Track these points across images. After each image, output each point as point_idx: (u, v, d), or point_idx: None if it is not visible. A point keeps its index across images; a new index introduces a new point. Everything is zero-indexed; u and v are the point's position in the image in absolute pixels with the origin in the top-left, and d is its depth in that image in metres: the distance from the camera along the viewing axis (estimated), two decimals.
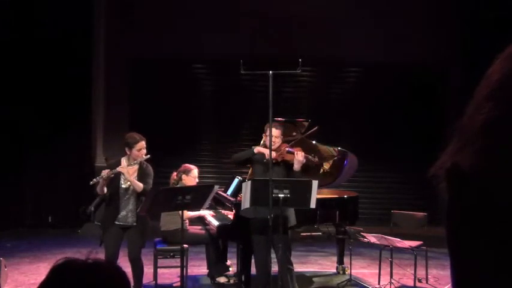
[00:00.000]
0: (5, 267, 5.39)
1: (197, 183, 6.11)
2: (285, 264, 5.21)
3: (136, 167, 5.29)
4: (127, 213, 5.23)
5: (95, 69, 10.46)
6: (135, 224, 5.22)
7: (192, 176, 6.06)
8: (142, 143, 5.26)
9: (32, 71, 9.81)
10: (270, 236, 4.94)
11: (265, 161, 5.19)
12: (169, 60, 10.52)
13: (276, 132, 5.26)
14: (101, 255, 5.93)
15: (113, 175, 5.15)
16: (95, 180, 5.20)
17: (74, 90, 9.97)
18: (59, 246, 8.25)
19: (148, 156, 5.27)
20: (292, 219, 5.39)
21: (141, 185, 5.18)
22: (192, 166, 6.16)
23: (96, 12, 10.42)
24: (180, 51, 10.48)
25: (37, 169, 10.04)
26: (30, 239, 8.98)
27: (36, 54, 9.79)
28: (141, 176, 5.26)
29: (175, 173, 6.16)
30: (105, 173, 5.14)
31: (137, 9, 10.46)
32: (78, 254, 1.27)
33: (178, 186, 5.94)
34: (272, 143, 5.16)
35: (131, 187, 5.21)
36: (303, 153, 5.17)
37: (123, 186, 5.23)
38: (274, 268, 5.21)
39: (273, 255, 5.21)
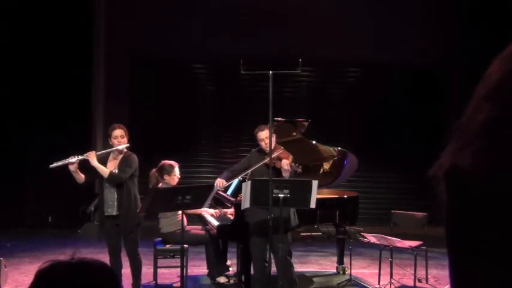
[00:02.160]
0: (5, 267, 5.39)
1: (179, 179, 6.04)
2: (285, 265, 5.21)
3: (115, 155, 5.33)
4: (112, 203, 5.25)
5: (95, 69, 10.46)
6: (115, 213, 5.22)
7: (174, 175, 5.96)
8: (119, 131, 5.28)
9: (32, 70, 9.80)
10: (270, 237, 4.94)
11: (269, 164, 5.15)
12: (169, 60, 10.52)
13: (262, 134, 5.25)
14: (99, 255, 5.94)
15: (79, 160, 5.14)
16: (55, 163, 5.10)
17: (74, 90, 9.96)
18: (59, 246, 8.24)
19: (127, 145, 5.29)
20: (293, 220, 5.39)
21: (106, 170, 5.18)
22: (173, 163, 6.00)
23: (96, 12, 10.41)
24: (180, 51, 10.48)
25: (37, 169, 10.03)
26: (30, 239, 8.98)
27: (36, 54, 9.79)
28: (120, 163, 5.28)
29: (154, 170, 6.03)
30: (70, 158, 5.14)
31: (137, 9, 10.46)
32: (78, 253, 1.27)
33: (167, 187, 5.86)
34: (265, 145, 5.21)
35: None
36: (287, 162, 5.09)
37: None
38: (273, 269, 5.21)
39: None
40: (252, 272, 5.60)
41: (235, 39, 10.26)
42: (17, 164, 9.86)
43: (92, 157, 5.16)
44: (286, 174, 5.11)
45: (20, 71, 9.72)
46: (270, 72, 4.93)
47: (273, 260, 5.19)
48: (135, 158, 5.35)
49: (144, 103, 10.52)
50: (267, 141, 5.17)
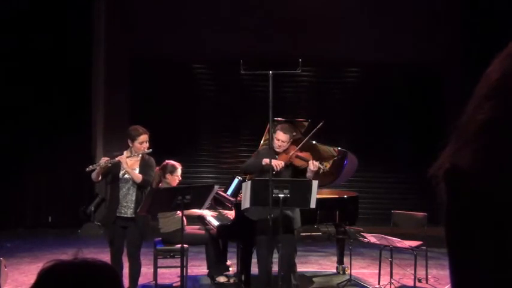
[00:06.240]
0: (5, 267, 5.39)
1: (180, 180, 6.04)
2: (288, 264, 5.21)
3: (137, 158, 5.27)
4: (127, 204, 5.19)
5: (95, 69, 10.46)
6: (133, 216, 5.16)
7: (176, 175, 5.97)
8: (145, 136, 5.24)
9: (32, 71, 9.80)
10: (269, 235, 4.95)
11: (274, 172, 5.08)
12: (169, 60, 10.52)
13: (284, 137, 5.25)
14: (101, 255, 5.93)
15: (110, 164, 5.12)
16: (91, 167, 5.14)
17: (74, 89, 9.97)
18: (59, 246, 8.25)
19: (150, 150, 5.26)
20: (298, 221, 5.40)
21: (139, 176, 5.16)
22: (176, 164, 6.02)
23: (96, 12, 10.41)
24: (180, 51, 10.48)
25: (37, 169, 10.04)
26: (30, 239, 8.98)
27: (36, 55, 9.78)
28: (143, 167, 5.24)
29: (157, 169, 5.96)
30: (103, 161, 5.13)
31: (137, 9, 10.46)
32: (80, 253, 1.27)
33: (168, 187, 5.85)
34: (279, 146, 5.22)
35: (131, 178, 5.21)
36: (316, 163, 5.12)
37: (124, 177, 5.20)
38: (275, 268, 5.21)
39: (275, 255, 5.21)
40: (252, 272, 5.60)
41: (236, 39, 10.25)
42: (17, 164, 9.85)
43: (124, 161, 5.14)
44: (311, 175, 5.12)
45: (20, 71, 9.71)
46: (270, 72, 4.94)
47: (275, 260, 5.19)
48: (153, 161, 5.35)
49: (144, 103, 10.51)
50: (281, 143, 5.25)
